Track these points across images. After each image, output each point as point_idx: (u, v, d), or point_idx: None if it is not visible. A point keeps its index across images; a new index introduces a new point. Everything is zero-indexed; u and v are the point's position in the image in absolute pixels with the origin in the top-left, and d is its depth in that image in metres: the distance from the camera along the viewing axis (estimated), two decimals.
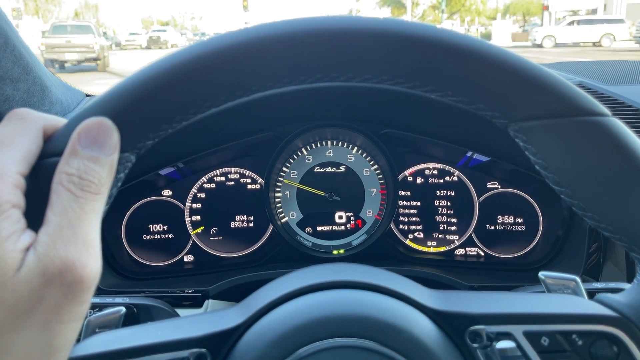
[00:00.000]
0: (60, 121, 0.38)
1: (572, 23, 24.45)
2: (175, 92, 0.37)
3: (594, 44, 23.88)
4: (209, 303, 0.97)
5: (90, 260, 0.33)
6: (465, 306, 0.44)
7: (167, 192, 1.06)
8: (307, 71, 0.39)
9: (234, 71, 0.38)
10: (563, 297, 0.50)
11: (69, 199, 0.33)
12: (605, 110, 0.39)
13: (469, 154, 1.03)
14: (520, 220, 1.06)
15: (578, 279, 0.52)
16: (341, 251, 1.08)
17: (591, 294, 0.69)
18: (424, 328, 0.42)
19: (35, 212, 0.34)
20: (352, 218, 1.10)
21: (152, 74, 0.38)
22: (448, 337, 0.43)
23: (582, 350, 0.42)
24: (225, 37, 0.38)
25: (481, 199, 1.07)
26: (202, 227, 1.08)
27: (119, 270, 1.03)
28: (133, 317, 0.74)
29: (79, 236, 0.32)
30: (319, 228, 1.10)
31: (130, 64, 18.58)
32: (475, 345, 0.43)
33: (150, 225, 1.06)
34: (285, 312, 0.43)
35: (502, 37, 30.75)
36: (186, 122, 0.39)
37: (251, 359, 0.41)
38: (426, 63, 0.38)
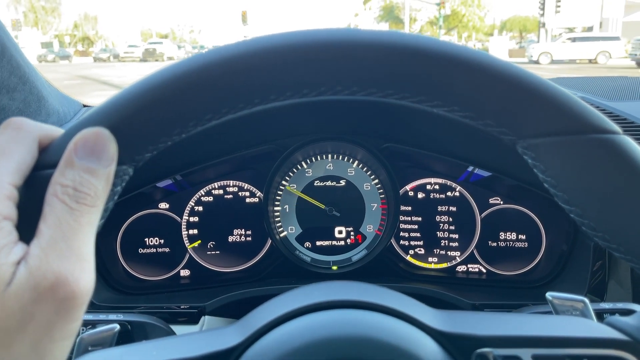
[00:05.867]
0: (57, 131, 0.37)
1: (568, 40, 24.65)
2: (174, 104, 0.36)
3: (590, 61, 24.07)
4: (205, 319, 0.95)
5: (83, 275, 0.31)
6: (472, 328, 0.43)
7: (164, 205, 1.04)
8: (310, 84, 0.38)
9: (236, 83, 0.37)
10: (572, 319, 0.48)
11: (63, 211, 0.32)
12: (616, 127, 0.38)
13: (470, 169, 1.02)
14: (523, 237, 1.05)
15: (587, 300, 0.51)
16: (334, 267, 1.06)
17: (599, 315, 0.67)
18: (429, 350, 0.40)
19: (27, 224, 0.32)
20: (352, 233, 1.09)
21: (152, 85, 0.36)
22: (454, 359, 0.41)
23: None
24: (227, 48, 0.37)
25: (483, 214, 1.05)
26: (199, 241, 1.06)
27: (113, 285, 1.01)
28: (127, 335, 0.72)
29: (72, 250, 0.31)
30: (318, 243, 1.09)
31: (128, 76, 18.63)
32: None
33: (146, 239, 1.04)
34: (285, 332, 0.41)
35: (499, 53, 31.01)
36: (186, 135, 0.38)
37: None
38: (432, 77, 0.37)
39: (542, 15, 30.06)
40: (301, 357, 0.39)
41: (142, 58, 35.11)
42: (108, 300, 0.97)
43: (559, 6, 28.38)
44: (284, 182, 1.07)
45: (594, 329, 0.44)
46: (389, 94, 0.39)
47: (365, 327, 0.41)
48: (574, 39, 24.57)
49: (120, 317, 0.73)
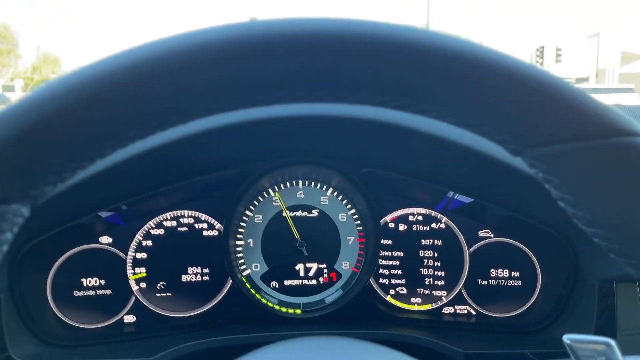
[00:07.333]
0: None
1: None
2: (85, 117, 0.30)
3: None
4: None
5: None
6: None
7: (105, 239, 0.94)
8: (262, 88, 0.32)
9: (169, 89, 0.30)
10: None
11: None
12: None
13: (450, 195, 0.95)
14: (516, 274, 0.98)
15: (612, 343, 0.45)
16: (298, 311, 0.98)
17: None
18: None
19: None
20: (325, 271, 1.01)
21: (50, 94, 0.29)
22: None
23: None
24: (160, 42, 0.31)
25: (472, 249, 0.98)
26: (147, 282, 0.96)
27: (39, 336, 0.88)
28: None
29: None
30: (286, 282, 1.01)
31: None
32: None
33: (84, 279, 0.94)
34: None
35: None
36: (100, 159, 0.32)
37: None
38: (416, 75, 0.32)
39: (542, 64, 30.42)
40: None
41: None
42: (31, 356, 0.84)
43: (559, 55, 28.40)
44: (247, 213, 0.99)
45: None
46: (363, 99, 0.33)
47: None
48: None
49: None
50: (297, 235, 0.99)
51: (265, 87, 0.32)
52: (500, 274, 0.97)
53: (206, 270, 0.98)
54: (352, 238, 1.00)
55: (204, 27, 0.31)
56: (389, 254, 0.99)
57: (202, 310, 0.97)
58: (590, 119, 0.32)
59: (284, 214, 0.99)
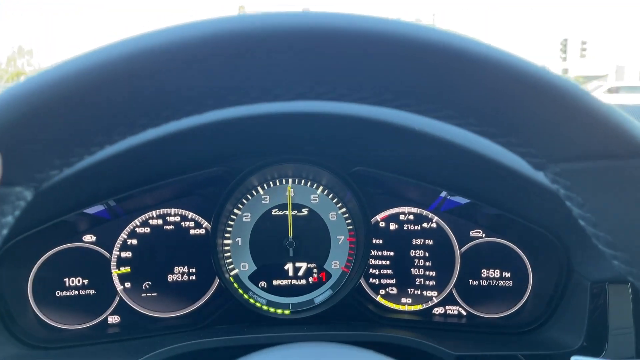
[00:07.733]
0: None
1: (611, 91, 20.24)
2: (97, 102, 0.29)
3: None
4: None
5: None
6: None
7: (89, 238, 0.92)
8: (283, 83, 0.31)
9: (186, 79, 0.30)
10: None
11: None
12: None
13: (443, 194, 0.94)
14: (507, 275, 0.97)
15: None
16: (287, 311, 0.96)
17: None
18: None
19: None
20: (315, 270, 1.00)
21: (62, 76, 0.28)
22: None
23: None
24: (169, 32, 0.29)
25: (463, 249, 0.97)
26: (132, 281, 0.93)
27: (20, 337, 0.85)
28: None
29: None
30: (275, 282, 0.99)
31: None
32: None
33: (66, 279, 0.91)
34: None
35: None
36: (109, 145, 0.32)
37: None
38: (442, 80, 0.31)
39: (565, 59, 28.19)
40: None
41: None
42: (11, 357, 0.82)
43: (584, 49, 27.02)
44: (235, 211, 0.97)
45: None
46: (385, 100, 0.32)
47: None
48: (617, 89, 20.23)
49: None
50: (291, 234, 0.97)
51: (286, 82, 0.31)
52: (492, 274, 0.96)
53: (193, 270, 0.96)
54: (343, 237, 0.99)
55: (228, 16, 0.30)
56: (380, 253, 0.98)
57: (188, 311, 0.95)
58: (619, 137, 0.31)
59: (273, 212, 0.97)
